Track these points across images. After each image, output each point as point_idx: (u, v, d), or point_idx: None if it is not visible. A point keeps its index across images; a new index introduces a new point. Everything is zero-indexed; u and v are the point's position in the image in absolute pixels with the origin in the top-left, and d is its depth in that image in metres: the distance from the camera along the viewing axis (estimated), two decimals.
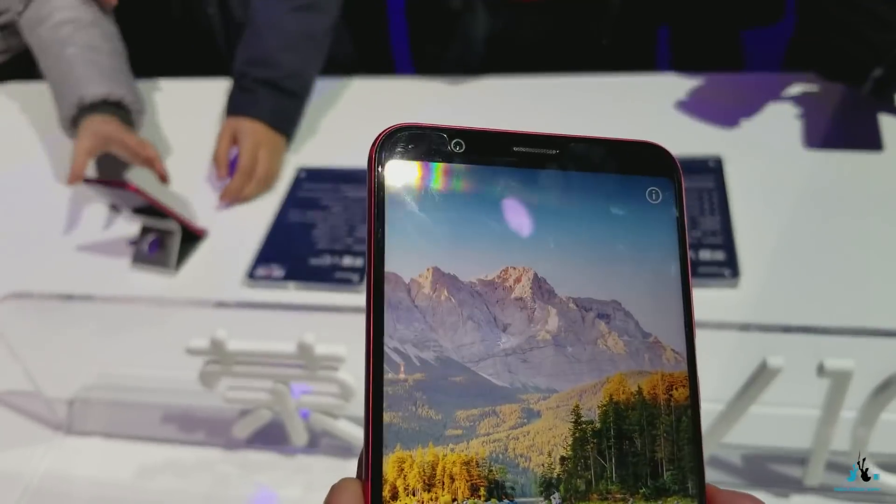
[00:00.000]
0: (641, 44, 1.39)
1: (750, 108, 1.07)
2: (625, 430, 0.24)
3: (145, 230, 0.97)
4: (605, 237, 0.25)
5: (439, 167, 0.25)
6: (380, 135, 0.25)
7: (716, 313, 0.72)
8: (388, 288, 0.24)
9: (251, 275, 0.92)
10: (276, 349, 0.67)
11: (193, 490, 0.72)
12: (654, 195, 0.26)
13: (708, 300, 0.81)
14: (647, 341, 0.25)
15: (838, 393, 0.59)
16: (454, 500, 0.23)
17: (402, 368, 0.23)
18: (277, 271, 0.92)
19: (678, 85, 1.13)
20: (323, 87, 1.21)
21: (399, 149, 0.25)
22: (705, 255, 0.85)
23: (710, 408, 0.64)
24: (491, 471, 0.24)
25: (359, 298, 0.82)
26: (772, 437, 0.69)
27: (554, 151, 0.25)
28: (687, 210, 0.87)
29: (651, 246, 0.25)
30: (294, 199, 1.03)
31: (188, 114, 1.26)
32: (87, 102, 1.06)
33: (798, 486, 0.67)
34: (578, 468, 0.24)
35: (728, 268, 0.83)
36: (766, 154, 0.99)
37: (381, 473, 0.23)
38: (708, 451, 0.65)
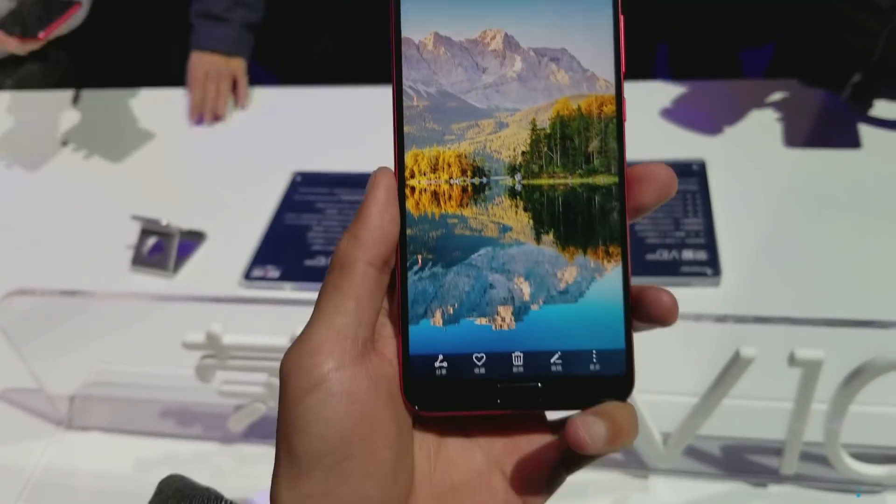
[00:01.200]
0: (639, 59, 1.43)
1: (733, 113, 1.10)
2: (567, 133, 0.34)
3: (145, 233, 1.00)
4: (558, 5, 0.34)
5: None
6: None
7: (698, 310, 0.75)
8: (404, 48, 0.34)
9: (247, 276, 0.95)
10: (270, 343, 0.70)
11: None
12: None
13: (690, 298, 0.84)
14: (586, 75, 0.34)
15: (809, 382, 0.62)
16: (450, 177, 0.34)
17: (415, 99, 0.35)
18: (273, 272, 0.95)
19: (664, 91, 1.16)
20: (318, 94, 1.24)
21: None
22: (688, 254, 0.87)
23: (689, 401, 0.67)
24: (474, 160, 0.34)
25: None
26: (749, 428, 0.71)
27: None
28: (671, 210, 0.89)
29: (593, 9, 0.34)
30: (289, 203, 1.06)
31: (186, 122, 1.28)
32: None
33: (775, 476, 0.69)
34: (534, 158, 0.34)
35: (710, 267, 0.86)
36: (747, 157, 1.02)
37: (404, 164, 0.34)
38: (686, 440, 0.68)
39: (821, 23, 1.09)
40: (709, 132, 1.07)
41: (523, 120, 0.35)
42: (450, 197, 0.34)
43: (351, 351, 0.31)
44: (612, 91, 0.34)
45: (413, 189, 0.34)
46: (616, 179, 0.34)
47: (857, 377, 0.60)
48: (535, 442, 0.34)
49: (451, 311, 0.34)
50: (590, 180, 0.34)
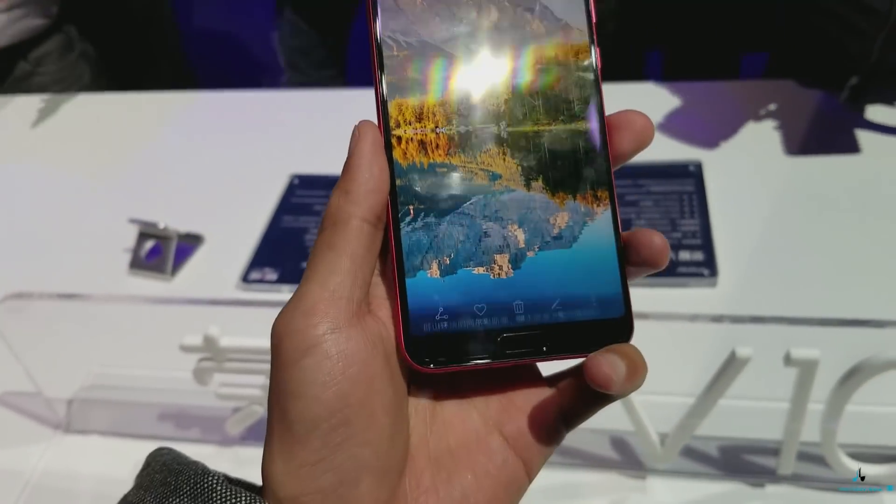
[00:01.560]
0: (632, 64, 1.44)
1: (730, 114, 1.10)
2: (547, 80, 0.35)
3: (142, 237, 1.00)
4: None
5: None
6: None
7: (695, 311, 0.75)
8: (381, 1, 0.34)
9: (245, 278, 0.95)
10: (268, 345, 0.69)
11: None
12: None
13: (687, 299, 0.84)
14: (559, 23, 0.35)
15: (805, 382, 0.62)
16: (436, 126, 0.34)
17: (395, 48, 0.35)
18: (271, 274, 0.95)
19: (660, 93, 1.16)
20: (315, 96, 1.24)
21: None
22: (685, 255, 0.87)
23: (686, 401, 0.67)
24: (458, 109, 0.34)
25: None
26: (746, 428, 0.71)
27: None
28: (668, 211, 0.90)
29: None
30: (287, 205, 1.06)
31: (184, 125, 1.29)
32: None
33: (772, 476, 0.69)
34: (517, 105, 0.35)
35: (706, 268, 0.86)
36: (744, 159, 1.02)
37: (388, 114, 0.34)
38: (683, 441, 0.68)
39: (817, 25, 1.09)
40: (705, 133, 1.07)
41: (504, 68, 0.35)
42: (437, 146, 0.34)
43: (346, 311, 0.30)
44: (587, 39, 0.35)
45: (399, 139, 0.34)
46: (598, 124, 0.35)
47: (853, 377, 0.61)
48: (532, 399, 0.34)
49: (448, 262, 0.33)
50: (572, 126, 0.35)
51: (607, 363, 0.31)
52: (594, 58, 0.35)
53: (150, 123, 1.30)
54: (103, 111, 1.36)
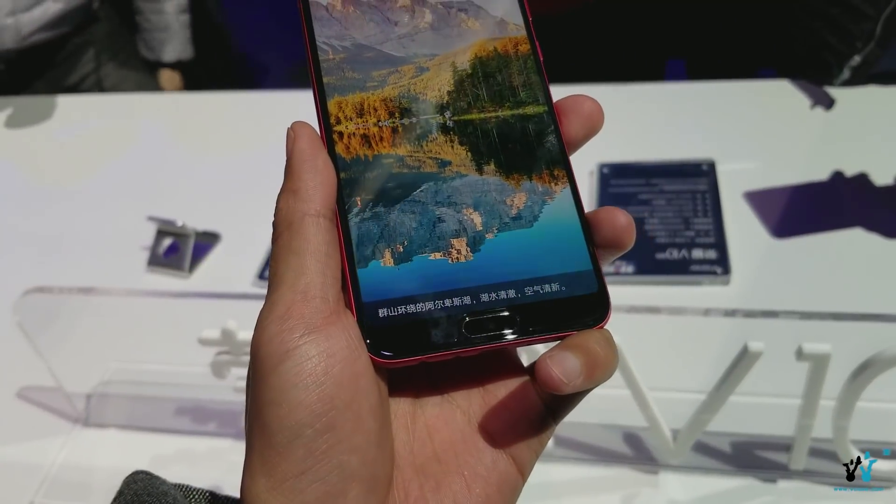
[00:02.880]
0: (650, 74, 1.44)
1: (743, 113, 1.10)
2: (489, 71, 0.35)
3: (160, 234, 1.01)
4: None
5: None
6: None
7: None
8: (312, 10, 0.35)
9: (262, 276, 0.96)
10: None
11: (205, 478, 0.74)
12: None
13: (700, 296, 0.84)
14: (495, 20, 0.36)
15: (817, 377, 0.62)
16: (378, 120, 0.34)
17: (330, 52, 0.35)
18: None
19: (674, 92, 1.16)
20: None
21: None
22: (698, 253, 0.88)
23: (698, 397, 0.67)
24: (401, 102, 0.34)
25: None
26: (758, 423, 0.72)
27: None
28: (681, 210, 0.90)
29: None
30: None
31: (202, 125, 1.30)
32: None
33: (784, 471, 0.69)
34: (461, 95, 0.35)
35: (719, 266, 0.86)
36: (757, 157, 1.02)
37: (330, 118, 0.34)
38: (695, 436, 0.68)
39: (816, 7, 1.11)
40: (718, 132, 1.07)
41: (443, 63, 0.35)
42: (381, 138, 0.33)
43: (322, 310, 0.29)
44: (524, 32, 0.36)
45: (341, 134, 0.33)
46: (545, 108, 0.35)
47: (865, 371, 0.61)
48: (515, 392, 0.32)
49: (402, 250, 0.32)
50: (519, 111, 0.35)
51: (555, 363, 0.28)
52: (533, 46, 0.36)
53: (170, 123, 1.31)
54: (123, 111, 1.37)
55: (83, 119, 1.35)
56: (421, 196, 0.33)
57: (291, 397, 0.27)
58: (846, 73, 1.07)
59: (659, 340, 0.73)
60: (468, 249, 0.32)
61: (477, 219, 0.33)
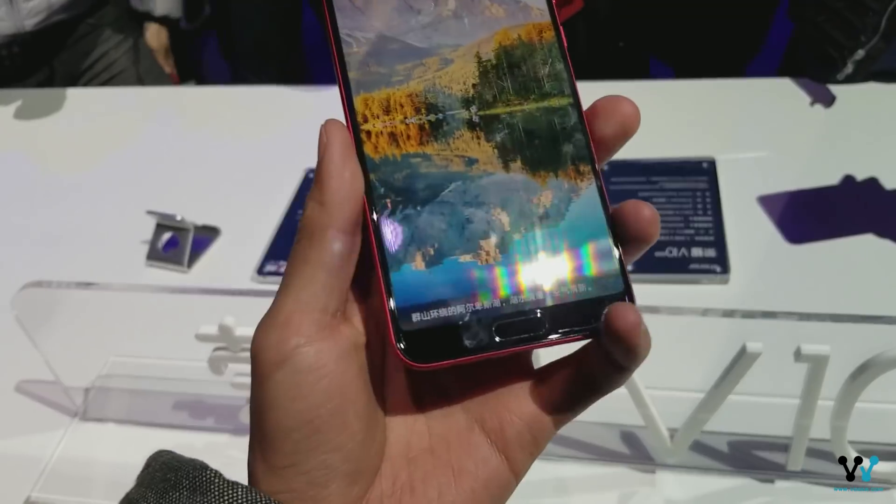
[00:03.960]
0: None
1: (742, 111, 1.10)
2: (513, 61, 0.35)
3: (160, 228, 1.01)
4: None
5: None
6: None
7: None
8: (335, 1, 0.34)
9: (260, 271, 0.96)
10: None
11: None
12: None
13: (699, 295, 0.84)
14: (519, 5, 0.35)
15: (816, 377, 0.62)
16: (405, 117, 0.33)
17: (355, 45, 0.34)
18: (285, 267, 0.96)
19: (673, 90, 1.16)
20: (331, 93, 1.24)
21: None
22: (697, 252, 0.88)
23: (696, 396, 0.67)
24: (426, 97, 0.34)
25: None
26: (756, 423, 0.72)
27: None
28: (681, 208, 0.90)
29: None
30: (302, 199, 1.06)
31: (201, 119, 1.30)
32: None
33: (782, 472, 0.69)
34: (486, 88, 0.34)
35: (719, 264, 0.86)
36: (757, 155, 1.02)
37: (357, 117, 0.33)
38: (693, 436, 0.68)
39: (821, 5, 1.11)
40: (719, 130, 1.07)
41: (467, 54, 0.35)
42: (408, 136, 0.33)
43: (319, 323, 0.30)
44: (548, 18, 0.35)
45: (369, 133, 0.33)
46: (570, 100, 0.34)
47: (863, 372, 0.61)
48: (519, 394, 0.32)
49: (433, 253, 0.32)
50: (545, 103, 0.34)
51: (633, 311, 0.30)
52: (558, 34, 0.35)
53: (169, 117, 1.31)
54: (122, 104, 1.37)
55: (81, 113, 1.35)
56: (450, 196, 0.33)
57: (282, 405, 0.30)
58: (849, 68, 1.07)
59: (657, 339, 0.72)
60: (497, 251, 0.32)
61: (505, 219, 0.33)
